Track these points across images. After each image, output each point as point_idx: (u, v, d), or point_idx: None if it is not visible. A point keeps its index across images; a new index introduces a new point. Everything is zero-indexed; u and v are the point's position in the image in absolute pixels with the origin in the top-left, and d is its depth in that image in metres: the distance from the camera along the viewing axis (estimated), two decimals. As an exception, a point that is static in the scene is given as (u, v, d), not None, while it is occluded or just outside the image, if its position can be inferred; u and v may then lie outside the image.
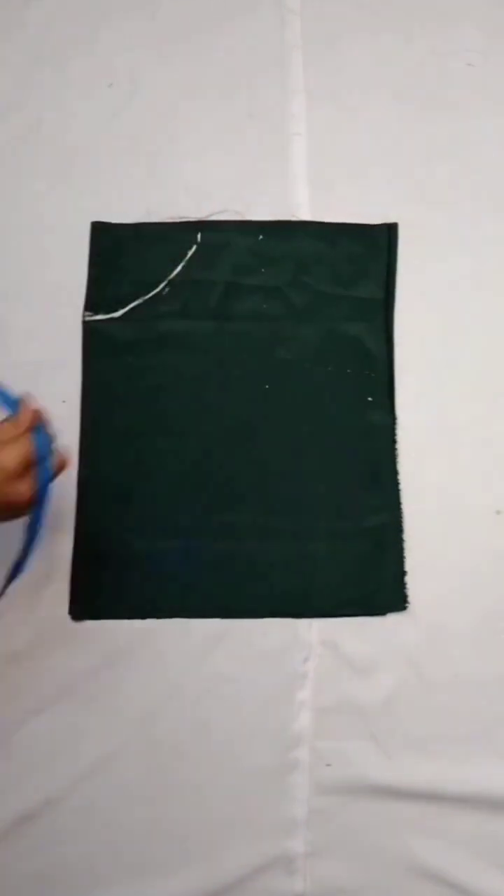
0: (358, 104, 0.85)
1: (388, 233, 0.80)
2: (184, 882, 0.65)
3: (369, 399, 0.76)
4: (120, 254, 0.79)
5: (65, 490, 0.73)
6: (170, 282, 0.78)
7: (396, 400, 0.76)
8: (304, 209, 0.81)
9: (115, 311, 0.77)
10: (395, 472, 0.74)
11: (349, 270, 0.79)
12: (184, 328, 0.77)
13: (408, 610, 0.71)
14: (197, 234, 0.79)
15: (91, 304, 0.77)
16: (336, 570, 0.72)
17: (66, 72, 0.85)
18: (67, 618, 0.70)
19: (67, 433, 0.74)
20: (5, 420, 0.61)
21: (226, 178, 0.81)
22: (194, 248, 0.79)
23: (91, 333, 0.77)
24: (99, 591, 0.71)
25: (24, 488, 0.58)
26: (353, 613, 0.71)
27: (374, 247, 0.80)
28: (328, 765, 0.68)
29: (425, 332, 0.78)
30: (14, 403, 0.62)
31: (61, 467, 0.62)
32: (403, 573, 0.72)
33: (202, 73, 0.85)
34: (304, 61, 0.86)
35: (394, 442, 0.75)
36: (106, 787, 0.67)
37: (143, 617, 0.71)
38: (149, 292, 0.78)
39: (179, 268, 0.78)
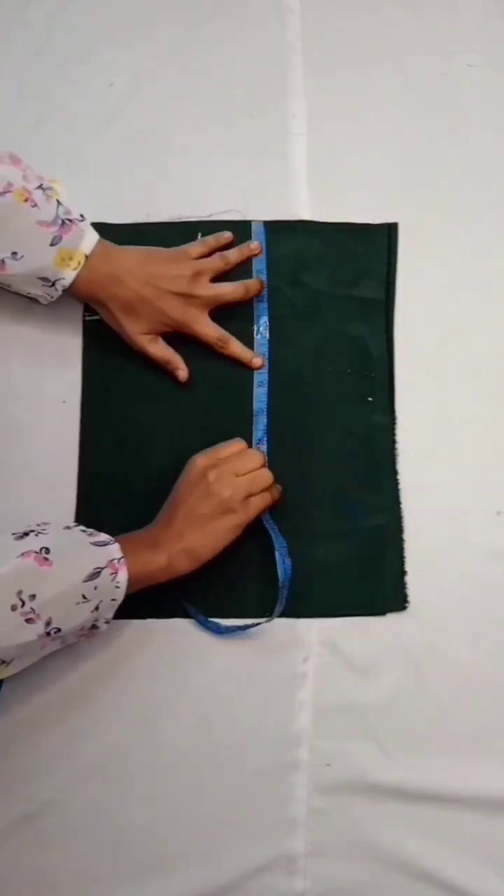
0: (358, 104, 0.85)
1: (388, 233, 0.80)
2: (184, 882, 0.65)
3: (369, 399, 0.76)
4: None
5: (65, 490, 0.73)
6: (170, 282, 0.78)
7: (396, 400, 0.76)
8: (304, 209, 0.81)
9: (115, 311, 0.77)
10: (395, 472, 0.74)
11: (349, 270, 0.79)
12: (184, 328, 0.77)
13: (408, 610, 0.71)
14: (197, 234, 0.79)
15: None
16: (336, 570, 0.72)
17: (66, 72, 0.85)
18: (67, 618, 0.70)
19: (67, 433, 0.74)
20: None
21: (226, 178, 0.81)
22: (194, 248, 0.79)
23: (91, 333, 0.77)
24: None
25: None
26: (353, 613, 0.71)
27: (374, 247, 0.80)
28: (328, 765, 0.68)
29: (425, 332, 0.78)
30: None
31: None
32: (403, 573, 0.72)
33: (202, 73, 0.85)
34: (304, 61, 0.86)
35: (394, 442, 0.75)
36: (106, 787, 0.67)
37: (143, 617, 0.71)
38: (149, 292, 0.78)
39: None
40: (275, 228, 0.80)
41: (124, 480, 0.74)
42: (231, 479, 0.68)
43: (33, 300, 0.72)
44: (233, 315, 0.76)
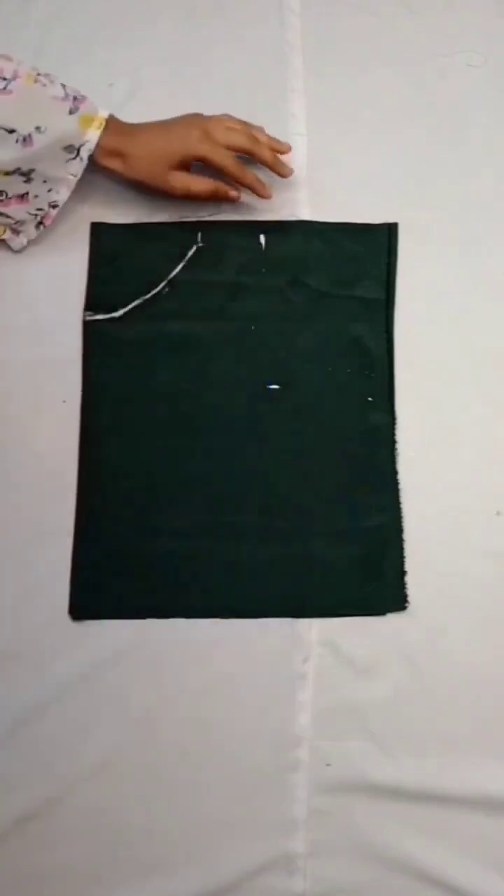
0: (358, 104, 0.85)
1: (388, 233, 0.80)
2: (184, 882, 0.65)
3: (369, 399, 0.76)
4: (120, 254, 0.79)
5: (66, 489, 0.73)
6: (170, 282, 0.78)
7: (396, 400, 0.76)
8: (304, 209, 0.81)
9: (115, 311, 0.77)
10: (394, 472, 0.74)
11: (349, 270, 0.79)
12: (184, 328, 0.77)
13: (408, 610, 0.71)
14: (197, 234, 0.79)
15: (91, 304, 0.77)
16: (336, 570, 0.72)
17: (66, 72, 0.85)
18: (67, 618, 0.70)
19: (67, 433, 0.74)
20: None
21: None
22: (194, 248, 0.79)
23: (91, 333, 0.77)
24: (99, 591, 0.71)
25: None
26: (353, 613, 0.71)
27: (374, 247, 0.80)
28: (328, 765, 0.68)
29: (425, 332, 0.78)
30: None
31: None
32: (403, 573, 0.72)
33: (202, 73, 0.85)
34: (304, 61, 0.86)
35: (394, 442, 0.75)
36: (106, 787, 0.67)
37: (143, 617, 0.71)
38: (149, 292, 0.78)
39: (179, 268, 0.78)
40: (275, 228, 0.80)
41: (125, 480, 0.74)
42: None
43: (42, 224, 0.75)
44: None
